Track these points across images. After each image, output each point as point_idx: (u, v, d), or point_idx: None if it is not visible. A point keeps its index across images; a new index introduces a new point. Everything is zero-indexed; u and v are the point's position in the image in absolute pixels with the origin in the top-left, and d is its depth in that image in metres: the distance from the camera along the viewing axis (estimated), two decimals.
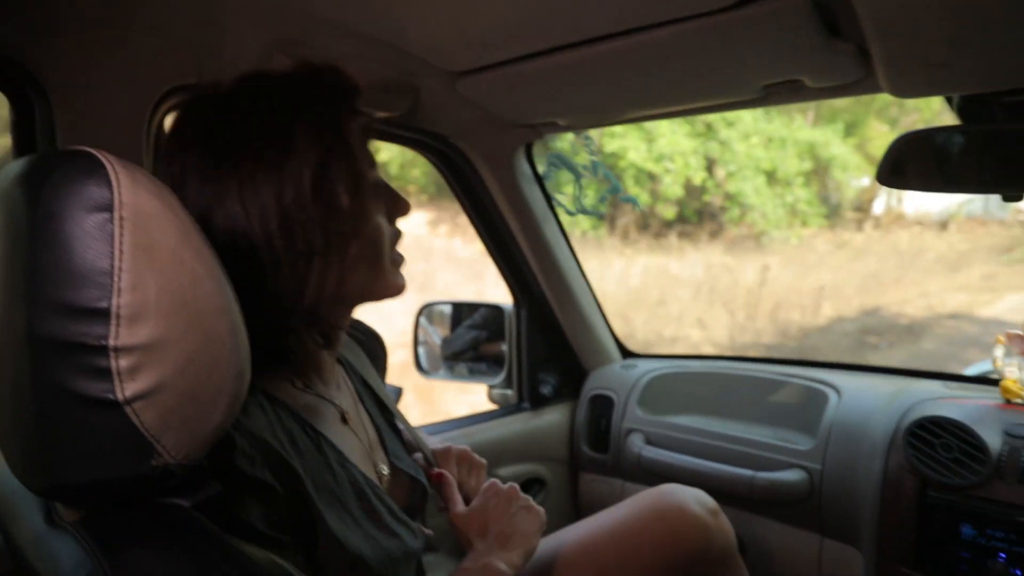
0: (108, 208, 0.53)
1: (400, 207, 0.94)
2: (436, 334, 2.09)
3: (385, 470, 1.03)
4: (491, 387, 2.01)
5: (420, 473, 1.12)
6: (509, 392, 1.98)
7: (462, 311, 2.12)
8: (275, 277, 0.79)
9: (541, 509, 1.13)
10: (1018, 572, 1.26)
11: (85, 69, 0.98)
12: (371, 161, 0.90)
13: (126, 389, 0.53)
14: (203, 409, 0.59)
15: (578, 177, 1.64)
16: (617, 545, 1.28)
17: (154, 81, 1.07)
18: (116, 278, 0.53)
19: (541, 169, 1.71)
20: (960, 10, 0.85)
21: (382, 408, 1.14)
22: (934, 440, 1.37)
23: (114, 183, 0.54)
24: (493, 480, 1.16)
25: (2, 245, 0.56)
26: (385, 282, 0.92)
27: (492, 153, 1.63)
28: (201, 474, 0.64)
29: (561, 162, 1.64)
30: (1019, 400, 1.43)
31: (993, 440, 1.33)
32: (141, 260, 0.54)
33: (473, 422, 1.88)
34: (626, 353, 2.11)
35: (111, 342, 0.52)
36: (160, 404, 0.55)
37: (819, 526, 1.60)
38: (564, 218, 1.81)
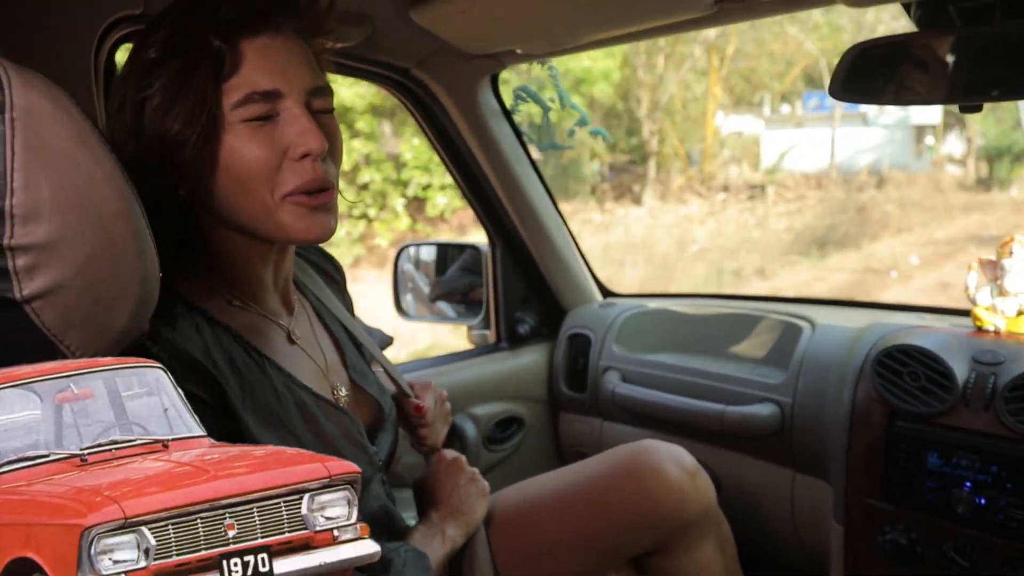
0: (0, 110, 0.53)
1: (298, 142, 0.86)
2: (419, 276, 2.09)
3: (343, 391, 1.04)
4: (470, 328, 2.01)
5: (384, 395, 1.14)
6: (488, 332, 1.98)
7: (444, 252, 2.11)
8: (151, 188, 0.79)
9: (485, 482, 1.20)
10: (982, 501, 1.24)
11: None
12: (256, 92, 0.84)
13: (24, 288, 0.54)
14: (106, 310, 0.60)
15: (546, 110, 1.61)
16: (590, 502, 1.27)
17: (98, 11, 1.07)
18: (8, 178, 0.53)
19: (509, 104, 1.68)
20: None
21: (346, 330, 1.14)
22: (901, 369, 1.35)
23: (5, 85, 0.54)
24: (441, 451, 1.24)
25: None
26: (275, 219, 0.88)
27: (455, 86, 1.61)
28: None
29: (528, 95, 1.60)
30: (990, 327, 1.39)
31: (960, 367, 1.30)
32: (33, 161, 0.54)
33: (449, 361, 1.89)
34: (606, 293, 2.09)
35: (6, 241, 0.53)
36: (60, 303, 0.56)
37: (791, 460, 1.59)
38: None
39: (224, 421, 0.83)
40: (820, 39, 13.00)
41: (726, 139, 15.15)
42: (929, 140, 17.75)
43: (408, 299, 2.04)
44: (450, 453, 1.23)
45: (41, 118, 0.55)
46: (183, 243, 0.89)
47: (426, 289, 2.07)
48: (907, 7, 1.06)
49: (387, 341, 1.44)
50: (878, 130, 16.06)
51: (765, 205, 13.17)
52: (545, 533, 1.26)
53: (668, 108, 13.31)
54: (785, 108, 16.52)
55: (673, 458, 1.28)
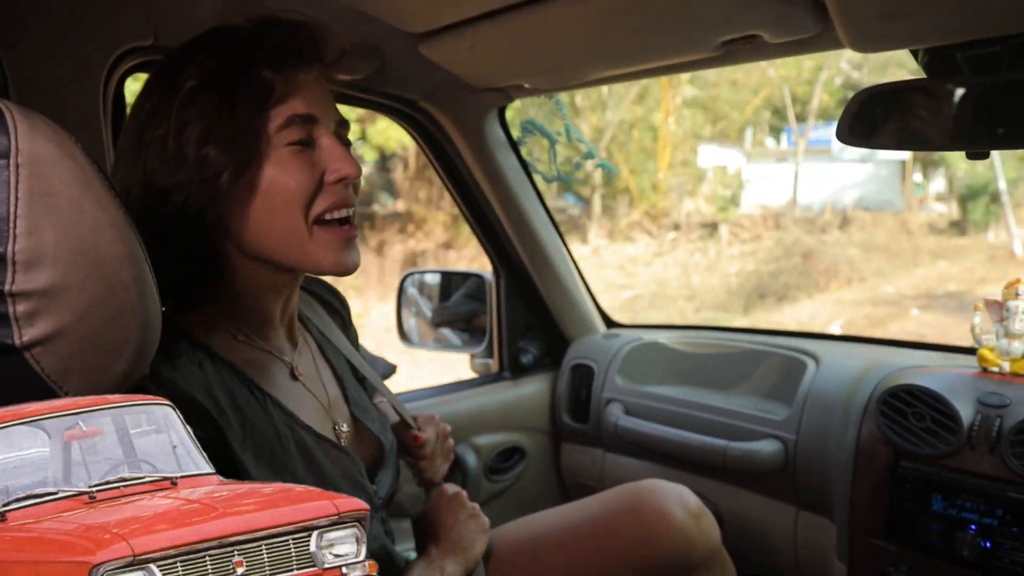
0: (4, 155, 0.53)
1: (334, 168, 0.90)
2: (422, 303, 2.09)
3: (345, 427, 1.04)
4: (474, 356, 2.01)
5: (386, 431, 1.14)
6: (491, 361, 1.98)
7: (448, 280, 2.12)
8: (177, 217, 0.85)
9: (485, 519, 1.19)
10: (987, 544, 1.23)
11: (38, 30, 0.98)
12: (299, 116, 0.88)
13: (24, 334, 0.54)
14: (107, 356, 0.60)
15: (552, 143, 1.62)
16: (592, 541, 1.26)
17: (108, 42, 1.08)
18: (11, 224, 0.53)
19: (516, 135, 1.69)
20: None
21: (350, 365, 1.14)
22: (906, 409, 1.35)
23: (11, 130, 0.54)
24: (442, 486, 1.22)
25: None
26: (305, 248, 0.90)
27: (463, 117, 1.62)
28: None
29: (535, 128, 1.61)
30: (995, 368, 1.39)
31: (966, 409, 1.30)
32: (37, 206, 0.54)
33: (452, 390, 1.88)
34: (610, 323, 2.09)
35: (7, 287, 0.53)
36: (60, 350, 0.56)
37: (794, 497, 1.58)
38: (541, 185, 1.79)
39: (222, 461, 0.82)
40: (784, 66, 12.35)
41: (704, 173, 14.61)
42: (917, 177, 17.29)
43: (412, 325, 2.04)
44: (451, 488, 1.21)
45: (46, 164, 0.55)
46: (199, 274, 0.90)
47: (429, 316, 2.07)
48: (915, 53, 1.07)
49: (390, 370, 1.44)
50: (862, 166, 15.60)
51: (719, 245, 12.72)
52: (546, 570, 1.25)
53: (617, 138, 12.60)
54: (770, 142, 16.23)
55: (678, 499, 1.27)
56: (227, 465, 0.82)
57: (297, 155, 0.88)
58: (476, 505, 1.20)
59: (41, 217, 0.54)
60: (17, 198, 0.53)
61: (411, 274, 2.08)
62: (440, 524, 1.15)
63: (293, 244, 0.89)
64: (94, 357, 0.58)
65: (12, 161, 0.53)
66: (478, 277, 1.99)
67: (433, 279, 2.14)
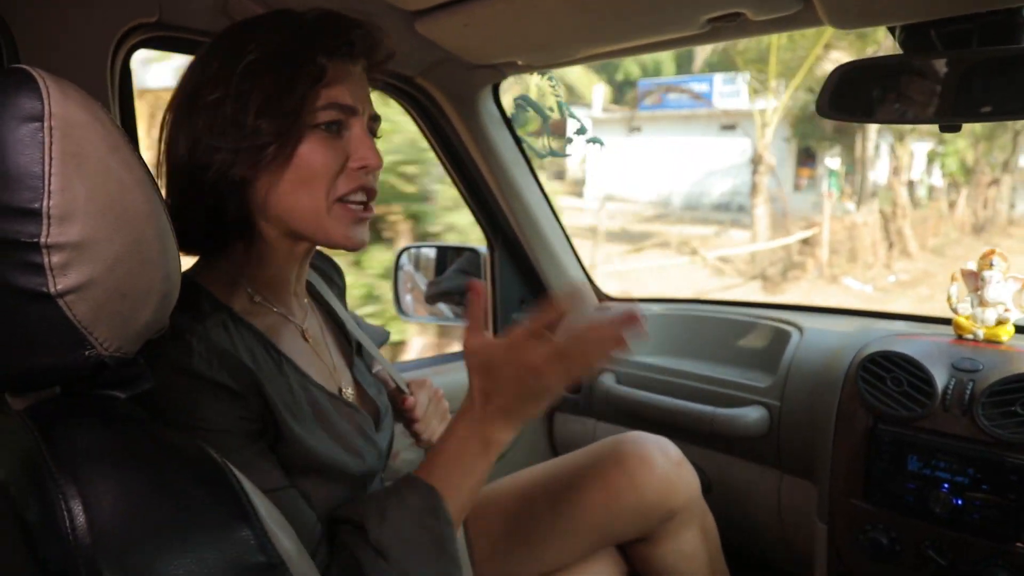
0: (39, 118, 0.57)
1: (359, 157, 0.95)
2: (418, 277, 2.13)
3: (350, 391, 1.09)
4: None
5: (381, 395, 1.18)
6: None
7: (444, 253, 2.16)
8: (200, 159, 0.90)
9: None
10: (959, 501, 1.29)
11: (49, 4, 1.02)
12: (339, 104, 0.93)
13: (58, 283, 0.58)
14: (133, 306, 0.64)
15: (546, 119, 1.66)
16: (578, 488, 1.32)
17: (115, 17, 1.11)
18: (46, 181, 0.57)
19: (510, 112, 1.73)
20: None
21: (346, 333, 1.19)
22: (885, 375, 1.40)
23: (45, 96, 0.58)
24: (518, 330, 0.91)
25: None
26: (322, 223, 0.94)
27: (458, 94, 1.65)
28: (137, 370, 0.70)
29: (529, 104, 1.65)
30: (970, 336, 1.45)
31: (940, 374, 1.35)
32: (70, 166, 0.58)
33: (447, 360, 1.93)
34: (601, 297, 2.14)
35: (43, 240, 0.57)
36: (91, 298, 0.60)
37: (778, 461, 1.64)
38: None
39: (252, 409, 0.88)
40: None
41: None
42: (832, 163, 16.05)
43: (408, 299, 2.08)
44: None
45: (77, 127, 0.60)
46: (227, 231, 0.95)
47: (430, 289, 2.11)
48: (892, 30, 1.11)
49: (384, 337, 1.48)
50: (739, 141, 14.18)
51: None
52: (535, 518, 1.31)
53: None
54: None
55: (659, 448, 1.35)
56: (265, 411, 0.89)
57: (328, 138, 0.93)
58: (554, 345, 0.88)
59: (73, 176, 0.58)
60: (51, 158, 0.57)
61: (407, 248, 2.12)
62: (497, 379, 0.90)
63: (311, 217, 0.94)
64: (121, 305, 0.63)
65: (46, 124, 0.58)
66: (473, 251, 2.03)
67: (429, 253, 2.17)
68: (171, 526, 0.58)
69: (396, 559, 0.85)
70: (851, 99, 1.13)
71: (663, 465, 1.33)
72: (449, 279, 2.09)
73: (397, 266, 2.07)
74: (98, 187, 0.60)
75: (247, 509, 0.62)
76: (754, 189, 13.84)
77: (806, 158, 17.28)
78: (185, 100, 0.93)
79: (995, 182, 17.35)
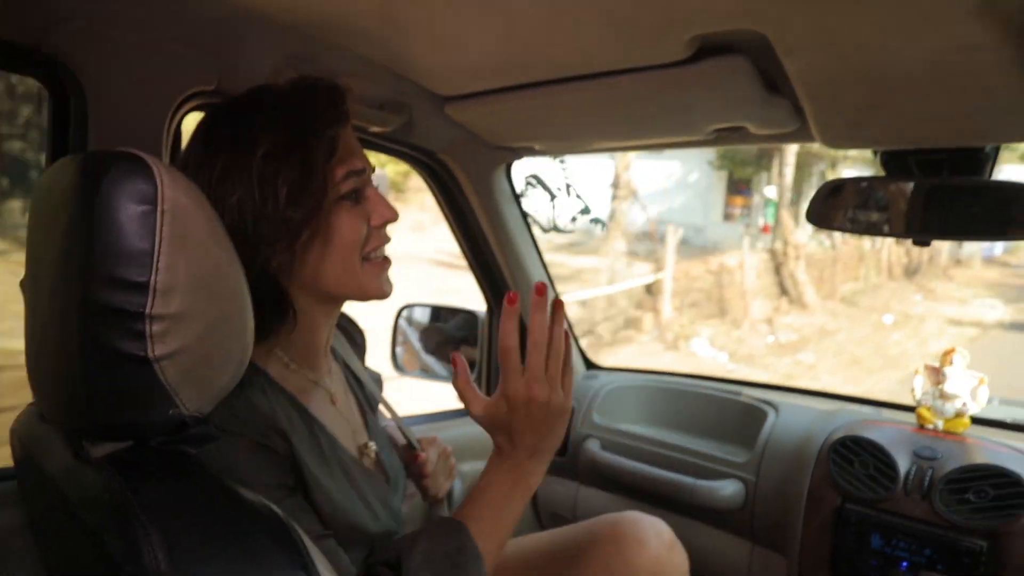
0: (152, 202, 0.65)
1: (378, 214, 1.02)
2: (414, 335, 2.22)
3: (373, 448, 1.13)
4: None
5: (393, 456, 1.22)
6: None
7: (439, 314, 2.25)
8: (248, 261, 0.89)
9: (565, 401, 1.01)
10: None
11: (119, 70, 1.08)
12: (353, 171, 0.98)
13: (156, 349, 0.66)
14: (214, 371, 0.73)
15: (552, 198, 1.78)
16: (572, 565, 1.34)
17: (178, 84, 1.18)
18: (155, 259, 0.65)
19: (519, 188, 1.85)
20: (870, 79, 1.00)
21: (364, 392, 1.23)
22: (853, 458, 1.52)
23: (158, 182, 0.66)
24: (506, 375, 0.98)
25: (60, 229, 0.68)
26: (357, 281, 1.00)
27: (475, 170, 1.77)
28: (207, 429, 0.78)
29: (538, 183, 1.78)
30: (931, 426, 1.58)
31: (903, 460, 1.48)
32: (176, 246, 0.66)
33: (442, 419, 2.00)
34: (590, 365, 2.25)
35: (148, 310, 0.65)
36: (181, 364, 0.68)
37: (751, 534, 1.73)
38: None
39: (292, 473, 0.93)
40: None
41: None
42: (769, 192, 14.16)
43: (403, 355, 2.17)
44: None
45: (183, 211, 0.68)
46: (269, 314, 0.95)
47: (420, 348, 2.20)
48: (875, 153, 1.26)
49: (378, 380, 1.56)
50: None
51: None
52: None
53: None
54: None
55: (655, 531, 1.38)
56: (296, 476, 0.93)
57: (353, 206, 0.99)
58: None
59: (178, 255, 0.66)
60: (161, 238, 0.65)
61: (406, 307, 2.21)
62: (517, 422, 0.98)
63: (346, 280, 0.99)
64: (206, 370, 0.71)
65: (159, 208, 0.65)
66: (470, 313, 2.13)
67: (425, 313, 2.26)
68: (242, 571, 0.64)
69: None
70: (837, 210, 1.27)
71: (657, 548, 1.35)
72: (446, 338, 2.18)
73: (396, 323, 2.16)
74: (198, 265, 0.68)
75: (306, 559, 0.69)
76: (611, 218, 11.49)
77: (741, 185, 15.68)
78: (228, 205, 0.90)
79: None
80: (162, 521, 0.63)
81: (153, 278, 0.65)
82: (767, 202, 14.24)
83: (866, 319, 12.08)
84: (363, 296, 1.03)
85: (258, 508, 0.72)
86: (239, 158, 0.91)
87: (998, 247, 21.50)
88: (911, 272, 16.83)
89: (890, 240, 14.83)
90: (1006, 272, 19.37)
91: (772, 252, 12.88)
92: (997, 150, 1.22)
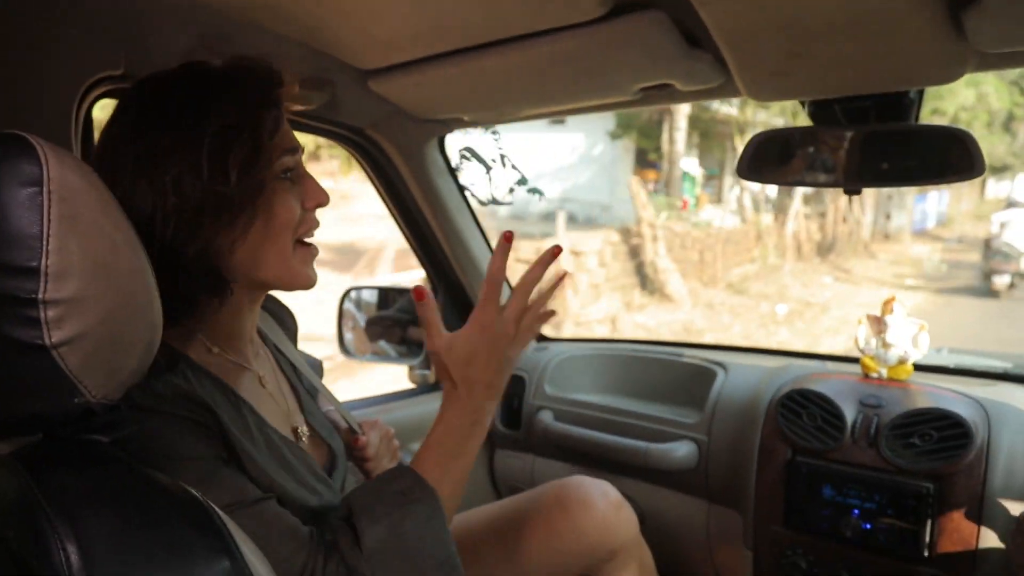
0: (38, 183, 0.62)
1: (312, 195, 1.00)
2: (361, 317, 2.18)
3: (305, 431, 1.12)
4: (412, 368, 2.11)
5: (334, 436, 1.21)
6: (428, 373, 2.09)
7: (385, 295, 2.22)
8: (176, 235, 0.88)
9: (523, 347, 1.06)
10: (868, 525, 1.42)
11: (17, 59, 1.04)
12: (287, 149, 0.97)
13: (52, 336, 0.62)
14: (120, 355, 0.69)
15: (488, 169, 1.75)
16: (523, 532, 1.37)
17: (83, 70, 1.14)
18: (44, 242, 0.61)
19: (454, 161, 1.82)
20: (791, 27, 0.98)
21: (298, 375, 1.22)
22: (801, 410, 1.53)
23: (43, 161, 0.63)
24: (485, 305, 1.01)
25: None
26: (288, 265, 0.98)
27: (405, 145, 1.73)
28: (120, 416, 0.75)
29: (472, 155, 1.74)
30: (875, 374, 1.59)
31: (850, 410, 1.49)
32: (67, 227, 0.63)
33: (392, 399, 1.98)
34: (540, 337, 2.23)
35: (40, 296, 0.61)
36: (82, 349, 0.64)
37: (706, 493, 1.74)
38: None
39: (224, 446, 0.91)
40: None
41: None
42: (688, 165, 12.88)
43: (350, 338, 2.13)
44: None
45: (73, 191, 0.64)
46: (194, 295, 0.93)
47: (371, 329, 2.16)
48: (803, 104, 1.25)
49: (319, 366, 1.53)
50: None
51: None
52: (480, 562, 1.36)
53: None
54: None
55: (600, 492, 1.42)
56: (231, 448, 0.92)
57: (289, 186, 0.97)
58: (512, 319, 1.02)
59: (69, 236, 0.63)
60: (49, 220, 0.62)
61: (351, 289, 2.17)
62: (476, 357, 1.00)
63: (278, 265, 0.97)
64: (110, 355, 0.68)
65: (45, 189, 0.62)
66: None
67: (371, 294, 2.23)
68: (162, 561, 0.62)
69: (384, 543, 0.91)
70: (767, 163, 1.26)
71: (603, 508, 1.39)
72: (385, 320, 2.15)
73: (341, 306, 2.12)
74: (92, 247, 0.65)
75: (228, 542, 0.67)
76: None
77: (651, 158, 13.93)
78: (128, 178, 0.88)
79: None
80: (71, 515, 0.61)
81: (44, 262, 0.62)
82: (684, 176, 12.99)
83: (754, 310, 10.38)
84: (291, 282, 1.01)
85: (175, 493, 0.70)
86: (185, 133, 0.89)
87: (931, 219, 21.47)
88: (824, 250, 14.53)
89: (801, 214, 13.17)
90: (936, 247, 17.31)
91: (623, 232, 10.73)
92: (921, 95, 1.22)
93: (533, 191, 1.79)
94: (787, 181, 1.27)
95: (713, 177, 15.05)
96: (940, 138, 1.16)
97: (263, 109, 0.93)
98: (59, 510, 0.61)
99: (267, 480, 0.94)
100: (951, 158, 1.15)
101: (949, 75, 1.09)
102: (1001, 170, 20.39)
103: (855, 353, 1.69)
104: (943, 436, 1.37)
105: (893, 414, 1.43)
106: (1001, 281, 11.06)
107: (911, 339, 1.57)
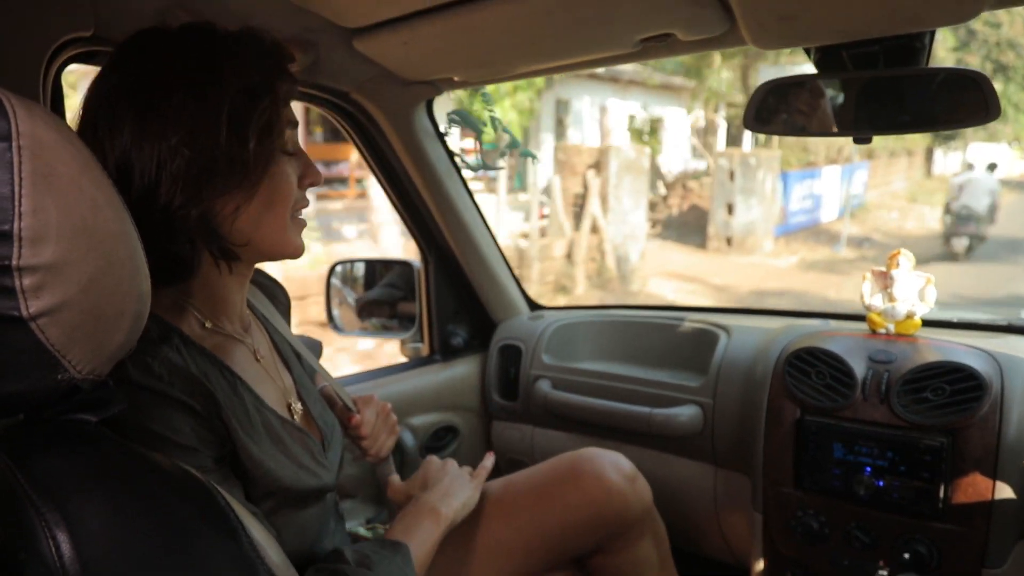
0: (7, 138, 0.55)
1: (309, 174, 1.00)
2: (349, 292, 2.13)
3: (299, 408, 1.10)
4: (404, 342, 2.07)
5: (328, 413, 1.19)
6: (421, 345, 2.04)
7: (373, 268, 2.17)
8: (179, 196, 0.85)
9: (476, 482, 1.30)
10: (880, 483, 1.40)
11: None
12: (291, 122, 0.96)
13: (31, 306, 0.56)
14: (106, 327, 0.63)
15: (478, 133, 1.69)
16: (536, 506, 1.36)
17: (50, 31, 1.08)
18: (17, 203, 0.55)
19: (443, 126, 1.76)
20: None
21: (292, 352, 1.19)
22: (809, 369, 1.50)
23: (11, 115, 0.56)
24: (431, 456, 1.33)
25: None
26: (285, 237, 0.97)
27: (392, 109, 1.67)
28: (108, 393, 0.68)
29: (462, 119, 1.68)
30: (883, 330, 1.56)
31: (859, 366, 1.46)
32: (41, 186, 0.56)
33: (386, 373, 1.93)
34: (533, 306, 2.19)
35: (15, 262, 0.55)
36: (64, 321, 0.58)
37: (713, 457, 1.72)
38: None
39: (210, 427, 0.88)
40: None
41: None
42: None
43: (339, 314, 2.08)
44: (437, 461, 1.33)
45: (46, 146, 0.57)
46: (181, 261, 0.91)
47: (360, 304, 2.11)
48: (808, 51, 1.20)
49: (318, 348, 1.48)
50: None
51: None
52: (494, 535, 1.33)
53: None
54: None
55: (614, 465, 1.39)
56: (221, 429, 0.90)
57: (291, 160, 0.96)
58: (468, 469, 1.34)
59: (44, 196, 0.56)
60: (21, 178, 0.55)
61: (339, 263, 2.12)
62: (429, 478, 1.27)
63: (275, 236, 0.96)
64: (95, 327, 0.61)
65: (15, 144, 0.55)
66: (405, 264, 2.05)
67: (360, 268, 2.18)
68: (163, 548, 0.57)
69: None
70: (774, 114, 1.21)
71: (617, 481, 1.37)
72: (374, 294, 2.11)
73: (329, 281, 2.07)
74: (71, 207, 0.58)
75: (234, 524, 0.63)
76: None
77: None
78: (128, 136, 0.85)
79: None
80: (59, 501, 0.55)
81: (16, 224, 0.55)
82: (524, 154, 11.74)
83: None
84: (283, 255, 0.99)
85: (173, 473, 0.65)
86: (200, 90, 0.85)
87: (830, 207, 15.14)
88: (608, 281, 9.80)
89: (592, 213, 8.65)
90: (819, 254, 12.42)
91: None
92: (932, 39, 1.17)
93: (527, 154, 1.73)
94: (793, 131, 1.23)
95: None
96: (952, 81, 1.12)
97: (279, 79, 0.93)
98: (45, 496, 0.56)
99: (261, 470, 0.93)
100: (964, 101, 1.11)
101: (964, 13, 1.04)
102: (950, 138, 20.41)
103: (860, 312, 1.65)
104: (956, 389, 1.35)
105: (904, 369, 1.41)
106: (960, 244, 11.36)
107: (918, 293, 1.54)
